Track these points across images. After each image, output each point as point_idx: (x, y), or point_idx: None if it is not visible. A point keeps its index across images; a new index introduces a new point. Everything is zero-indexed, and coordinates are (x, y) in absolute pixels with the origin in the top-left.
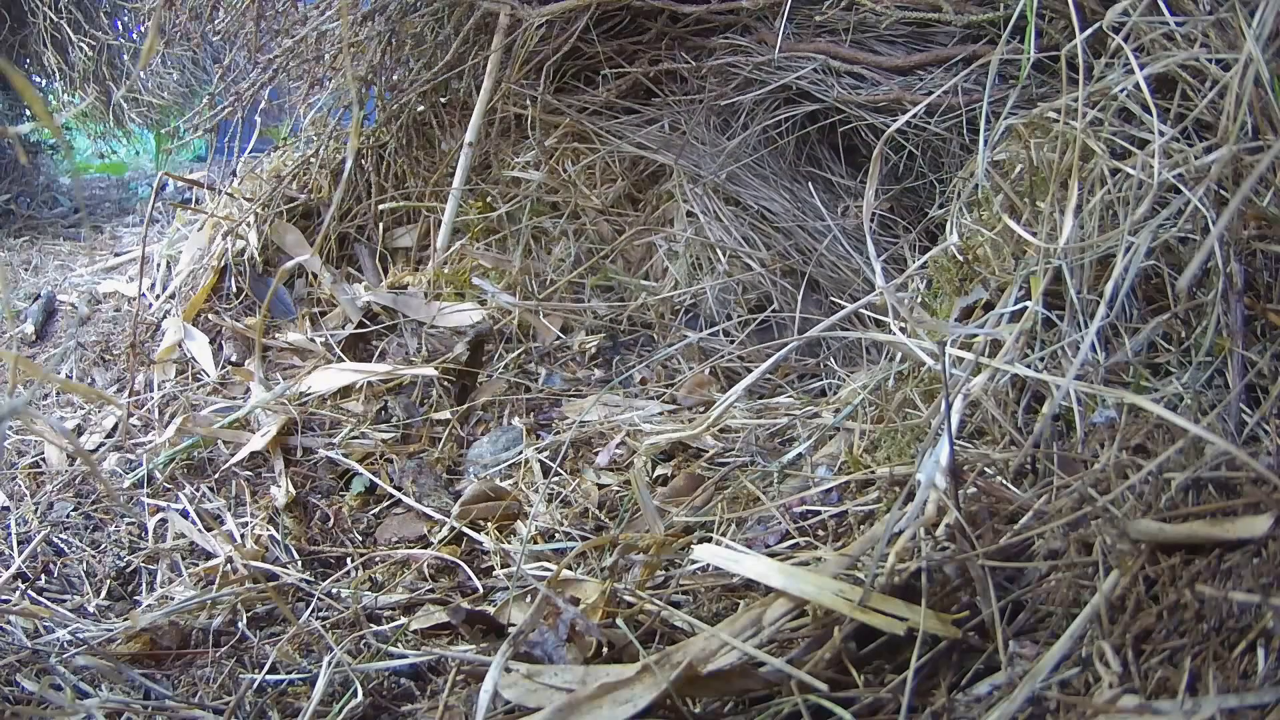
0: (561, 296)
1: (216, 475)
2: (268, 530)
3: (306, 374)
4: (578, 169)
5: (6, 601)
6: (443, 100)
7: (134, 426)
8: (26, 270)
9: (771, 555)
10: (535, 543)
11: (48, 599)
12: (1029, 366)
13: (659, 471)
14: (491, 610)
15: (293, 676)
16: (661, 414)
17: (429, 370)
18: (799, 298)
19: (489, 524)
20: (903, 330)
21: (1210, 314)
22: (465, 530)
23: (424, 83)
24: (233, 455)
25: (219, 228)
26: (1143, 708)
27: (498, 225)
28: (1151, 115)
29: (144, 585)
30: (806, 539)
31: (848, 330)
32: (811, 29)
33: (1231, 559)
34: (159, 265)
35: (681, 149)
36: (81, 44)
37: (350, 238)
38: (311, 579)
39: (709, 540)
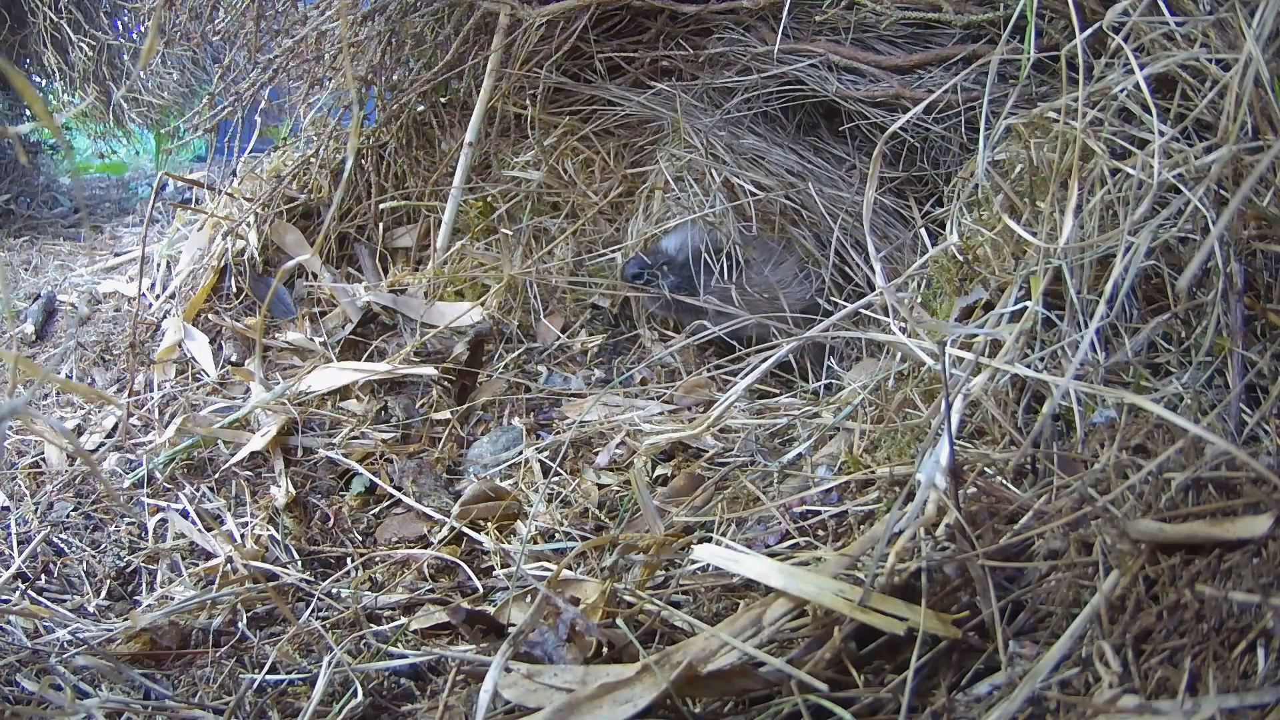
0: (562, 295)
1: (216, 475)
2: (268, 530)
3: (306, 374)
4: (577, 164)
5: (6, 601)
6: (443, 100)
7: (134, 426)
8: (26, 270)
9: (771, 555)
10: (535, 543)
11: (48, 599)
12: (1029, 366)
13: (659, 471)
14: (491, 610)
15: (293, 676)
16: (661, 414)
17: (429, 370)
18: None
19: (489, 524)
20: (903, 330)
21: (1210, 314)
22: (465, 530)
23: (424, 83)
24: (233, 455)
25: (219, 228)
26: (1143, 708)
27: (498, 225)
28: (1151, 115)
29: (144, 585)
30: (806, 539)
31: (847, 330)
32: (811, 28)
33: (1231, 559)
34: (159, 265)
35: (679, 109)
36: (81, 44)
37: (350, 238)
38: (311, 579)
39: (709, 540)
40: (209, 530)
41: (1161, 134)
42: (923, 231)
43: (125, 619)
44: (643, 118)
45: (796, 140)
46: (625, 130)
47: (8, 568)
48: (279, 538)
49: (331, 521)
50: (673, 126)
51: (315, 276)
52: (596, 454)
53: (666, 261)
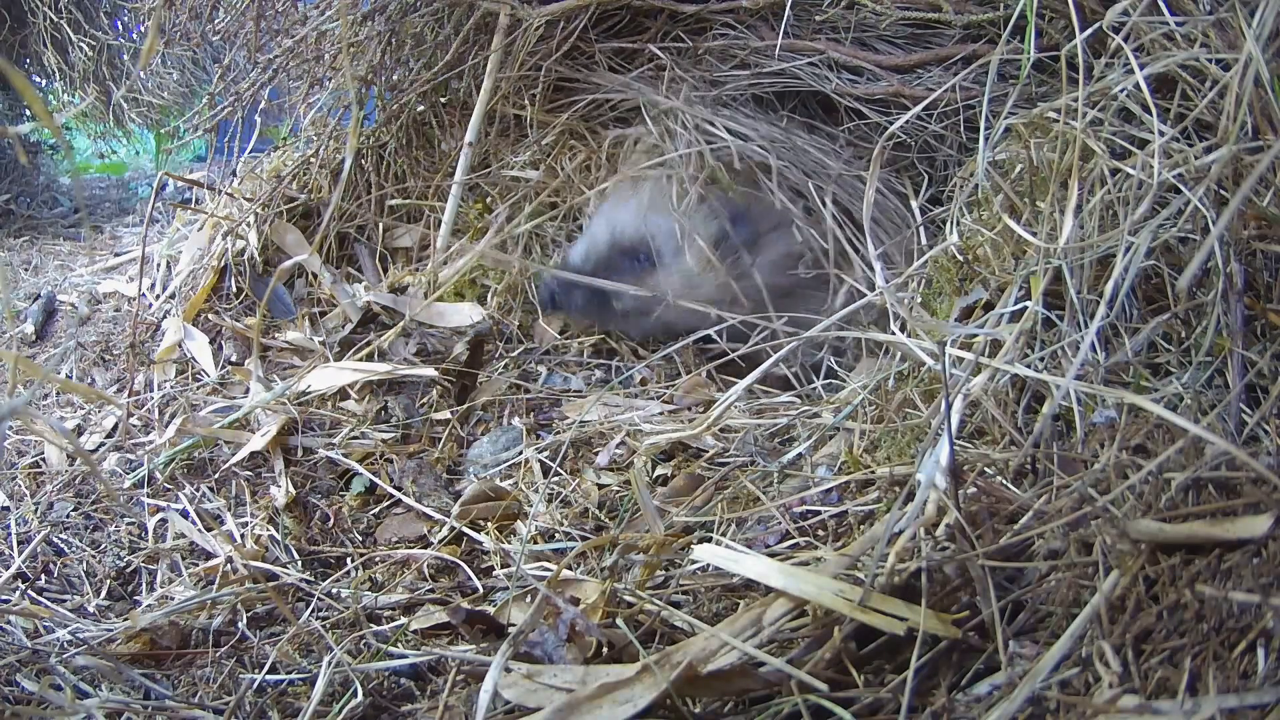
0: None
1: (216, 475)
2: (268, 530)
3: (306, 374)
4: (575, 163)
5: (6, 601)
6: (443, 100)
7: (134, 426)
8: (26, 270)
9: (771, 555)
10: (535, 543)
11: (48, 599)
12: (1029, 366)
13: (659, 471)
14: (491, 610)
15: (293, 676)
16: (661, 414)
17: (429, 371)
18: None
19: (489, 524)
20: (903, 330)
21: (1210, 314)
22: (465, 530)
23: (424, 83)
24: (233, 455)
25: (219, 228)
26: (1143, 708)
27: (488, 224)
28: (1151, 115)
29: (144, 585)
30: (806, 539)
31: (848, 330)
32: (811, 27)
33: (1231, 559)
34: (159, 265)
35: (666, 83)
36: (81, 44)
37: (350, 238)
38: (311, 579)
39: (709, 540)
40: (209, 530)
41: (1161, 134)
42: (920, 230)
43: (125, 619)
44: (637, 106)
45: (790, 122)
46: (621, 125)
47: (8, 568)
48: (279, 538)
49: (331, 521)
50: (651, 104)
51: (315, 276)
52: (596, 454)
53: (573, 280)
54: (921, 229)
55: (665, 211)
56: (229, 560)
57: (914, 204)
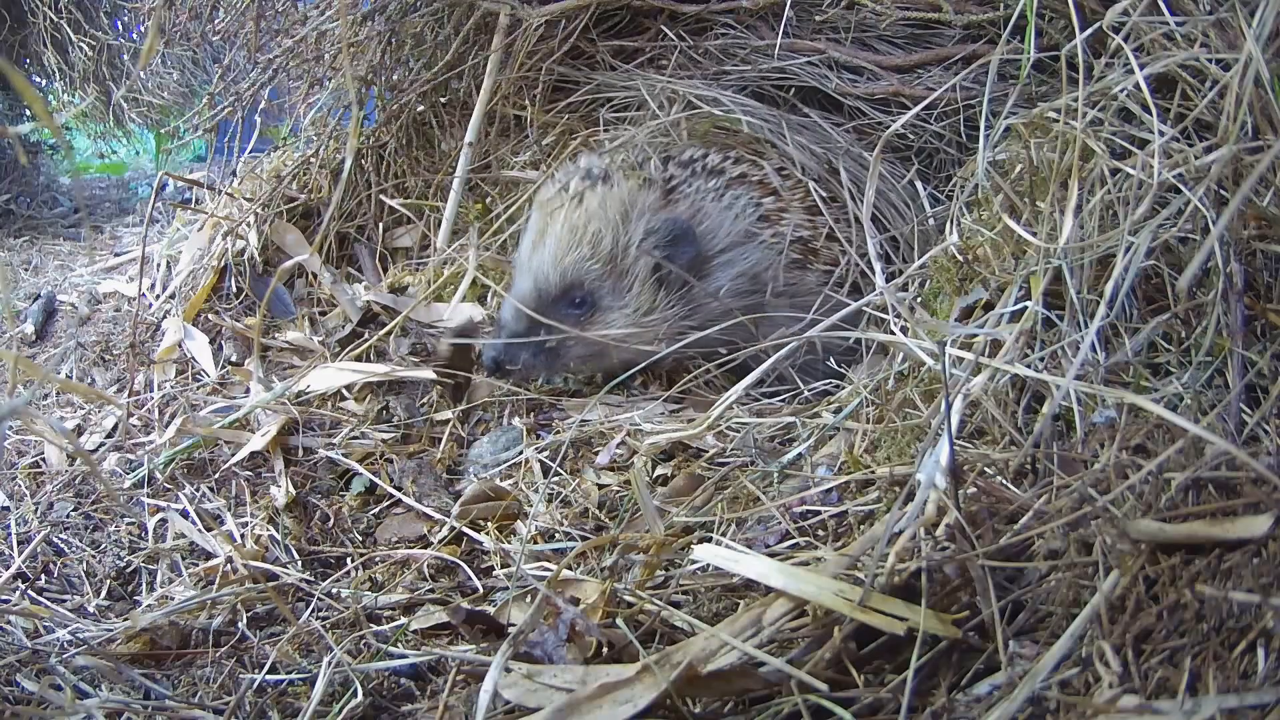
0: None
1: (216, 475)
2: (268, 530)
3: (306, 374)
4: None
5: (6, 601)
6: (443, 100)
7: (134, 426)
8: (26, 270)
9: (771, 555)
10: (535, 543)
11: (48, 599)
12: (1029, 366)
13: (659, 471)
14: (491, 610)
15: (293, 676)
16: (662, 414)
17: (428, 373)
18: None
19: (489, 524)
20: (903, 330)
21: (1210, 314)
22: (465, 530)
23: (424, 83)
24: (233, 455)
25: (219, 228)
26: (1143, 708)
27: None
28: (1151, 115)
29: (144, 585)
30: (806, 539)
31: (848, 330)
32: (811, 27)
33: (1231, 559)
34: (159, 265)
35: (671, 69)
36: (81, 44)
37: (350, 238)
38: (311, 579)
39: (709, 540)
40: (209, 530)
41: (1161, 134)
42: (928, 222)
43: (125, 619)
44: (636, 104)
45: (791, 112)
46: (620, 125)
47: (8, 568)
48: (279, 538)
49: (331, 521)
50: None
51: (315, 276)
52: (596, 454)
53: (513, 334)
54: (930, 220)
55: (587, 247)
56: (229, 560)
57: (921, 191)
